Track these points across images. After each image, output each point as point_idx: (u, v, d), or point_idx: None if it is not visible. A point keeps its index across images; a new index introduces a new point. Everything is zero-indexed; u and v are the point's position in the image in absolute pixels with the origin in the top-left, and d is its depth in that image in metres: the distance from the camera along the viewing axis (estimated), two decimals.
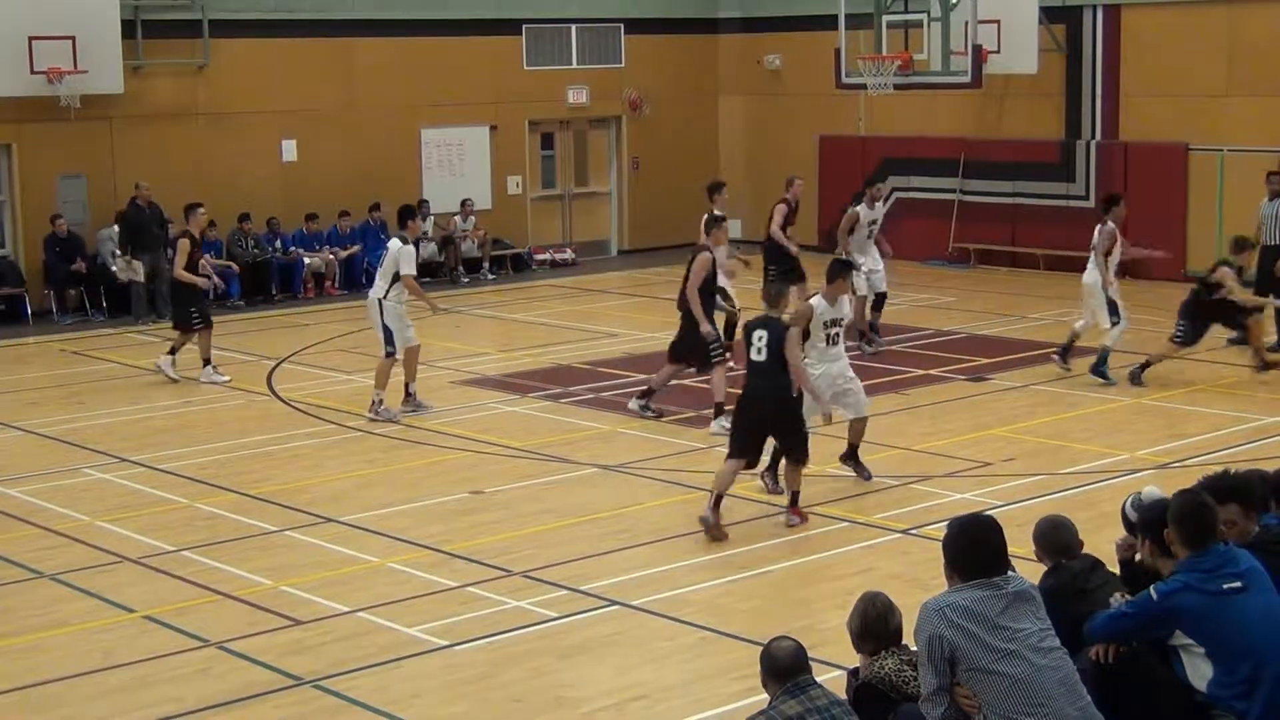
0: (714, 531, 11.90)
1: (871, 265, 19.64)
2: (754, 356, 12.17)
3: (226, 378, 18.36)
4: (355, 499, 13.37)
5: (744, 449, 12.21)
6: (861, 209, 19.72)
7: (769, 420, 12.22)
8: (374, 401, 16.21)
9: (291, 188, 25.13)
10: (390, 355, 16.15)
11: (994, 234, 26.48)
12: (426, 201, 26.34)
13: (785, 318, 12.42)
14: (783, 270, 21.91)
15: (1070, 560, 7.29)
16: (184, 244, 18.24)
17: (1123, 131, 25.04)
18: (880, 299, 19.79)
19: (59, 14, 22.54)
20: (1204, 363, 17.64)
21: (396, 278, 15.99)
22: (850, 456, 13.49)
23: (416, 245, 16.71)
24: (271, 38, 25.16)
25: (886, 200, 20.30)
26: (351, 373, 18.75)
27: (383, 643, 10.05)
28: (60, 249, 23.00)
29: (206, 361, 18.46)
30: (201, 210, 18.80)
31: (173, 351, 18.47)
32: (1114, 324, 16.96)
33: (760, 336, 12.15)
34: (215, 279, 19.22)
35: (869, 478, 13.39)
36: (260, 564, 11.68)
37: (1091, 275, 17.13)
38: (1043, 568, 7.43)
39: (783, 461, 12.70)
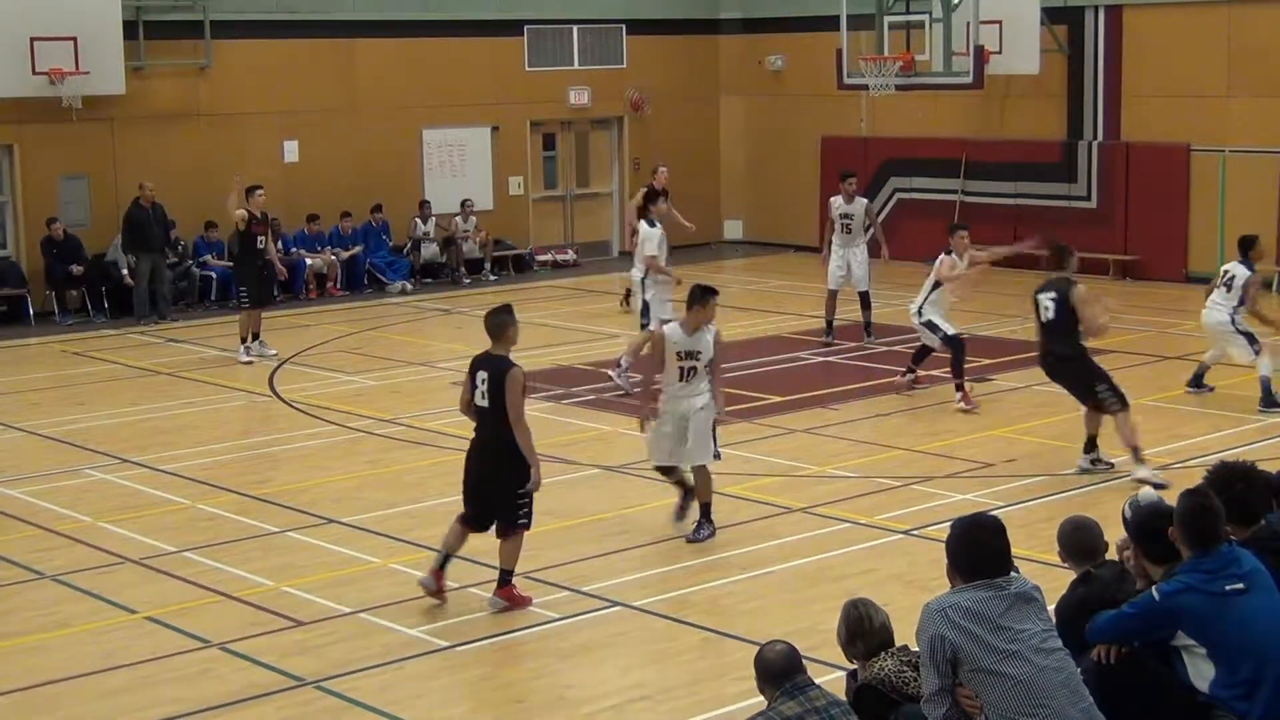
0: (434, 596, 10.62)
1: (849, 260, 19.72)
2: (478, 401, 10.39)
3: (250, 359, 19.45)
4: (357, 500, 13.37)
5: (471, 514, 10.64)
6: (835, 200, 19.98)
7: (488, 478, 10.46)
8: (619, 364, 17.27)
9: (293, 188, 25.12)
10: (645, 327, 16.97)
11: (996, 235, 26.33)
12: (428, 202, 26.42)
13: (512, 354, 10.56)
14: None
15: (1098, 566, 7.27)
16: (241, 213, 19.39)
17: (1124, 132, 25.04)
18: (863, 298, 19.84)
19: (60, 15, 22.56)
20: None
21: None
22: (699, 512, 12.05)
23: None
24: (273, 39, 25.17)
25: (858, 195, 20.15)
26: (353, 374, 18.77)
27: (384, 643, 10.06)
28: (57, 251, 23.01)
29: (244, 339, 19.56)
30: (260, 192, 19.66)
31: (243, 340, 19.62)
32: (1257, 352, 15.76)
33: (483, 379, 10.31)
34: (279, 265, 20.58)
35: (708, 535, 11.95)
36: (262, 565, 11.68)
37: (1213, 315, 15.96)
38: (1063, 568, 7.42)
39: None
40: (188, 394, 17.85)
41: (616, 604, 10.68)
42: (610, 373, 17.48)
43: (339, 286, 25.30)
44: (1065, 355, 13.50)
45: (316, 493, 13.64)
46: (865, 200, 20.64)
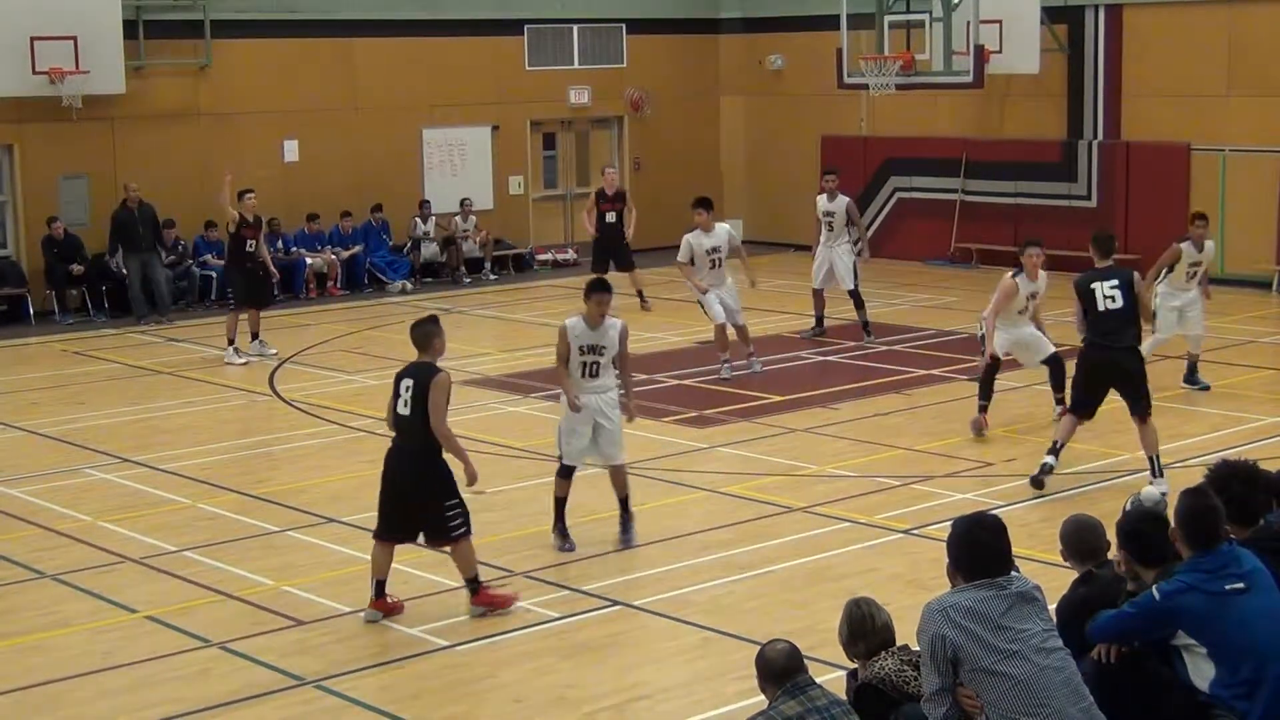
0: (391, 614, 10.45)
1: (830, 258, 19.69)
2: (400, 410, 10.28)
3: (244, 360, 19.45)
4: (357, 499, 13.34)
5: (388, 527, 10.44)
6: (819, 198, 20.00)
7: (408, 489, 10.32)
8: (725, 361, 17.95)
9: (293, 188, 25.12)
10: (719, 323, 17.77)
11: (996, 234, 26.43)
12: (428, 201, 26.42)
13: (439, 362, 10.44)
14: (593, 260, 22.75)
15: (1100, 566, 7.27)
16: (232, 214, 19.51)
17: (1125, 131, 25.03)
18: (854, 297, 19.77)
19: (61, 14, 22.55)
20: (1204, 363, 17.58)
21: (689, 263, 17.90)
22: (620, 507, 12.00)
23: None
24: (273, 38, 25.17)
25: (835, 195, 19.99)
26: (354, 373, 18.76)
27: (384, 643, 10.06)
28: (58, 250, 23.01)
29: (231, 340, 19.52)
30: (250, 195, 19.81)
31: (230, 341, 19.58)
32: (1151, 330, 15.56)
33: (407, 386, 10.23)
34: (272, 267, 20.45)
35: (629, 542, 11.90)
36: (262, 564, 11.68)
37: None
38: (1063, 567, 7.41)
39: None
40: (188, 394, 17.85)
41: (616, 604, 10.68)
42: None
43: (339, 286, 25.29)
44: (1132, 345, 12.81)
45: (316, 492, 13.64)
46: (847, 199, 20.19)
